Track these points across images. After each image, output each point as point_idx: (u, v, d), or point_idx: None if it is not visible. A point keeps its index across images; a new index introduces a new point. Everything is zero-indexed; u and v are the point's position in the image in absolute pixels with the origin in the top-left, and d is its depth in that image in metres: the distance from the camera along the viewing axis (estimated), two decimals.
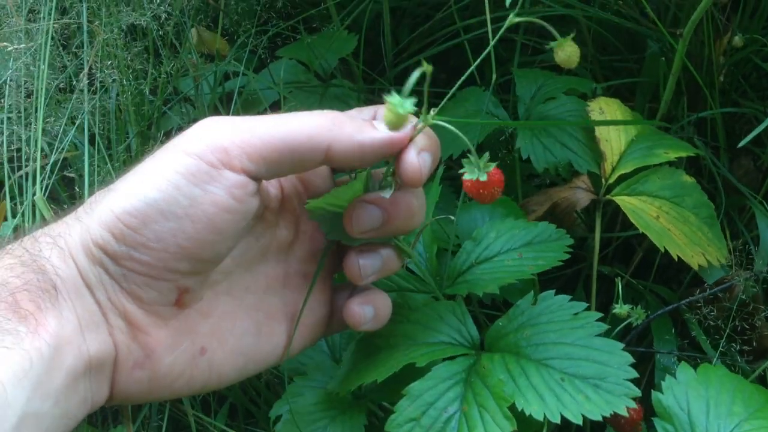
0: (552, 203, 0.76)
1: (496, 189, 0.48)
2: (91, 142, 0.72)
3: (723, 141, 0.90)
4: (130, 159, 0.75)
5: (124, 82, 0.73)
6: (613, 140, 0.75)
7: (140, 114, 0.76)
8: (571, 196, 0.76)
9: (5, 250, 0.45)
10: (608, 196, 0.73)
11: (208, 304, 0.50)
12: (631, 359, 0.50)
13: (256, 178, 0.46)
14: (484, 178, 0.47)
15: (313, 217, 0.52)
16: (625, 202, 0.72)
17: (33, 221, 0.66)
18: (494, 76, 0.58)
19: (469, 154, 0.48)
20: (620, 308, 0.64)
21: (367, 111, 0.53)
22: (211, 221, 0.45)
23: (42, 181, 0.67)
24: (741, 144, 0.58)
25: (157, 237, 0.44)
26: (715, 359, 0.65)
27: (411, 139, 0.48)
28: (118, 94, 0.74)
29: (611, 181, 0.74)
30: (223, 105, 0.85)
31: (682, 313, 0.72)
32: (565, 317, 0.53)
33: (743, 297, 0.69)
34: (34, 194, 0.65)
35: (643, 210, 0.72)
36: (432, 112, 0.47)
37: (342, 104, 0.89)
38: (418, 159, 0.48)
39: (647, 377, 0.73)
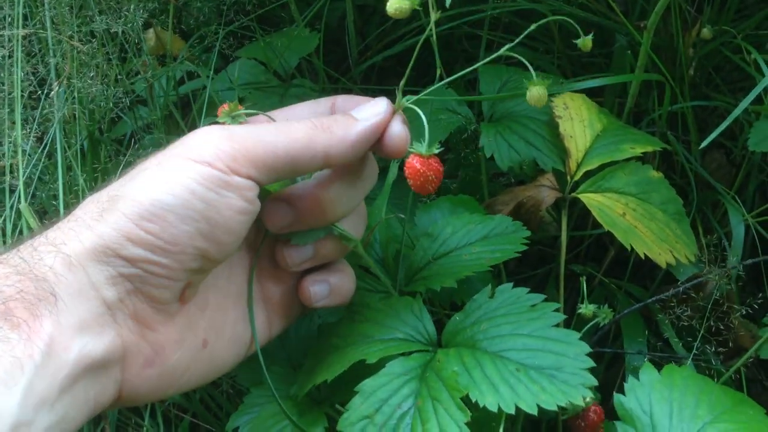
0: (517, 202, 0.74)
1: (432, 175, 0.50)
2: (42, 151, 0.70)
3: (695, 135, 0.88)
4: (84, 165, 0.72)
5: (91, 91, 0.70)
6: (578, 136, 0.73)
7: (91, 119, 0.73)
8: (536, 195, 0.74)
9: None
10: (573, 194, 0.71)
11: (203, 298, 0.52)
12: (588, 349, 0.49)
13: (261, 183, 0.49)
14: (423, 150, 0.50)
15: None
16: (590, 199, 0.70)
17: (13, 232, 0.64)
18: (439, 71, 0.58)
19: (421, 139, 0.51)
20: (585, 308, 0.62)
21: (324, 102, 0.56)
22: (227, 223, 0.47)
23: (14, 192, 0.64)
24: (705, 142, 0.56)
25: (174, 240, 0.46)
26: (688, 361, 0.63)
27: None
28: (74, 102, 0.71)
29: (576, 178, 0.72)
30: (178, 108, 0.82)
31: (654, 314, 0.70)
32: (522, 309, 0.52)
33: (716, 295, 0.67)
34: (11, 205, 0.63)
35: (608, 207, 0.70)
36: (405, 101, 0.53)
37: None
38: (402, 129, 0.51)
39: (619, 379, 0.71)
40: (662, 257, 0.69)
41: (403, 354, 0.52)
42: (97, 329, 0.45)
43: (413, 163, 0.51)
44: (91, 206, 0.47)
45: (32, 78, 0.63)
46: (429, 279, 0.60)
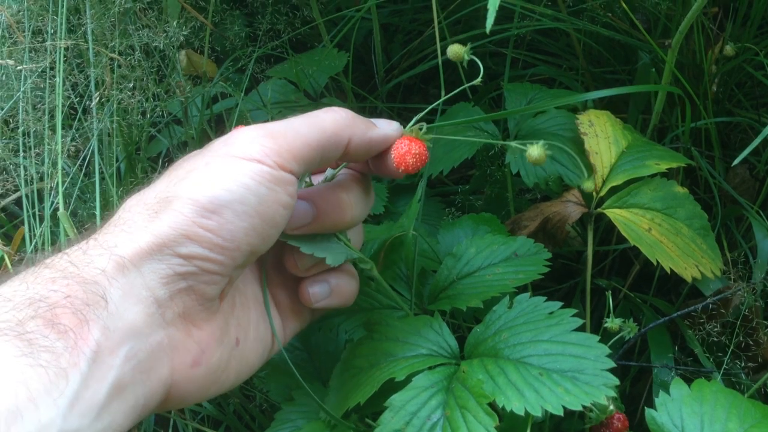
0: (544, 218, 0.75)
1: (419, 151, 0.53)
2: (80, 167, 0.72)
3: (718, 151, 0.89)
4: (120, 182, 0.75)
5: (131, 102, 0.72)
6: (603, 153, 0.74)
7: (129, 136, 0.76)
8: (562, 210, 0.75)
9: (44, 263, 0.45)
10: (599, 210, 0.73)
11: (231, 298, 0.52)
12: (607, 350, 0.50)
13: (298, 176, 0.50)
14: (408, 133, 0.54)
15: None
16: (616, 214, 0.71)
17: (50, 240, 0.66)
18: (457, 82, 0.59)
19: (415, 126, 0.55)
20: (611, 322, 0.63)
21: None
22: (274, 217, 0.48)
23: (52, 204, 0.66)
24: (737, 160, 0.57)
25: (232, 237, 0.46)
26: (719, 376, 0.63)
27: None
28: (112, 115, 0.73)
29: (602, 194, 0.73)
30: (212, 127, 0.84)
31: (681, 328, 0.70)
32: (541, 317, 0.53)
33: (743, 309, 0.68)
34: (53, 210, 0.65)
35: (634, 222, 0.71)
36: (423, 129, 0.55)
37: None
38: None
39: (646, 394, 0.72)
40: (688, 272, 0.69)
41: (428, 368, 0.54)
42: (146, 330, 0.44)
43: (399, 143, 0.53)
44: (138, 208, 0.47)
45: (70, 91, 0.65)
46: (454, 298, 0.62)
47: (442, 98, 0.59)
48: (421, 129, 0.55)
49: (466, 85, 0.58)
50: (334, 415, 0.56)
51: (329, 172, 0.58)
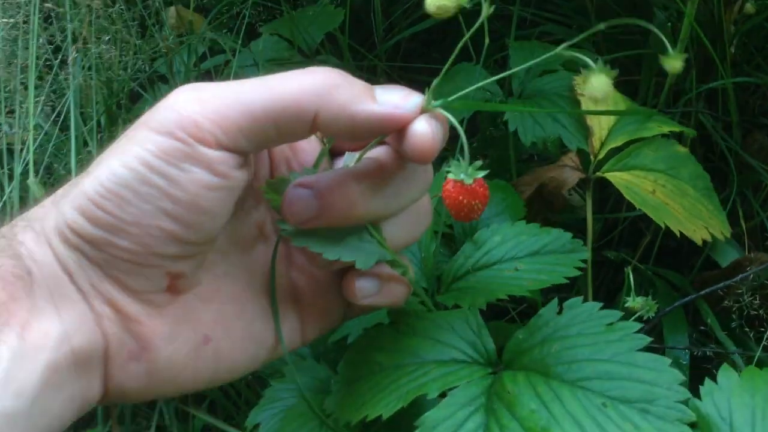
0: (540, 183, 0.71)
1: (477, 203, 0.42)
2: (55, 122, 0.68)
3: (735, 115, 0.84)
4: (100, 140, 0.70)
5: (110, 56, 0.67)
6: (602, 117, 0.70)
7: (109, 91, 0.71)
8: (559, 176, 0.70)
9: None
10: (598, 173, 0.68)
11: (209, 289, 0.46)
12: (681, 377, 0.42)
13: (239, 152, 0.42)
14: (469, 181, 0.41)
15: (271, 202, 0.46)
16: (617, 178, 0.66)
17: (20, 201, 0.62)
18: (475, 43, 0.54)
19: (460, 155, 0.42)
20: (633, 301, 0.57)
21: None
22: (195, 201, 0.41)
23: (24, 161, 0.62)
24: None
25: (135, 220, 0.41)
26: (757, 354, 0.58)
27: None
28: (90, 69, 0.68)
29: (600, 156, 0.69)
30: None
31: (699, 306, 0.66)
32: (598, 329, 0.46)
33: (761, 281, 0.63)
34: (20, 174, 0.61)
35: (637, 185, 0.67)
36: (427, 93, 0.42)
37: None
38: (430, 126, 0.42)
39: None
40: (697, 234, 0.65)
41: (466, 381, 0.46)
42: (76, 318, 0.41)
43: (452, 190, 0.42)
44: (72, 181, 0.43)
45: (48, 46, 0.61)
46: (461, 292, 0.55)
47: (450, 60, 0.44)
48: (443, 106, 0.42)
49: (466, 38, 0.49)
50: (345, 418, 0.48)
51: (348, 156, 0.48)
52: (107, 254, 0.41)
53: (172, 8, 0.93)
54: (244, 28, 0.73)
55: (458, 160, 0.42)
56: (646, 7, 0.86)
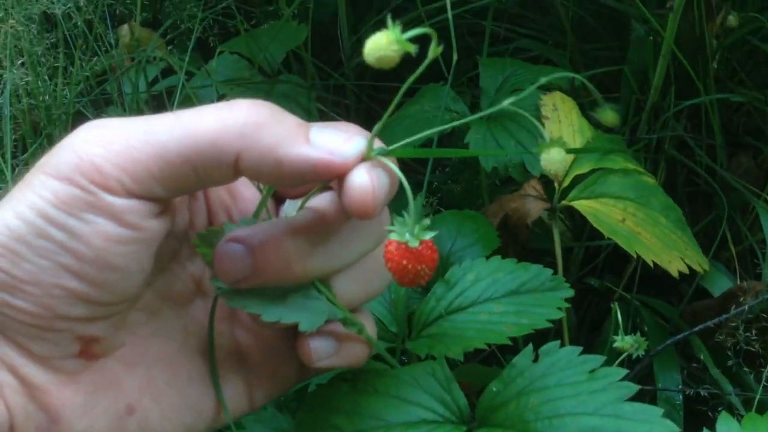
0: (504, 214, 0.66)
1: (424, 268, 0.36)
2: None
3: (719, 136, 0.80)
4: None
5: (39, 82, 0.62)
6: (567, 139, 0.66)
7: (51, 117, 0.65)
8: (521, 207, 0.66)
9: None
10: (564, 202, 0.64)
11: (134, 351, 0.40)
12: (676, 428, 0.38)
13: (152, 199, 0.36)
14: (414, 244, 0.36)
15: (204, 257, 0.41)
16: (584, 206, 0.63)
17: None
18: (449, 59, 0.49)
19: (404, 212, 0.36)
20: (622, 341, 0.52)
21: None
22: (101, 257, 0.35)
23: None
24: None
25: (32, 278, 0.35)
26: (757, 395, 0.53)
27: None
28: (23, 95, 0.63)
29: (565, 183, 0.65)
30: (151, 108, 0.74)
31: (692, 341, 0.61)
32: (580, 377, 0.41)
33: (756, 312, 0.59)
34: None
35: (605, 214, 0.63)
36: (369, 138, 0.36)
37: (291, 102, 0.78)
38: (370, 177, 0.36)
39: None
40: (673, 265, 0.61)
41: None
42: None
43: (395, 253, 0.36)
44: None
45: None
46: (434, 340, 0.50)
47: (401, 92, 0.37)
48: (385, 154, 0.37)
49: (427, 62, 0.43)
50: None
51: (288, 204, 0.43)
52: (4, 316, 0.35)
53: (125, 26, 0.88)
54: (192, 45, 0.68)
55: (404, 216, 0.36)
56: (624, 21, 0.83)
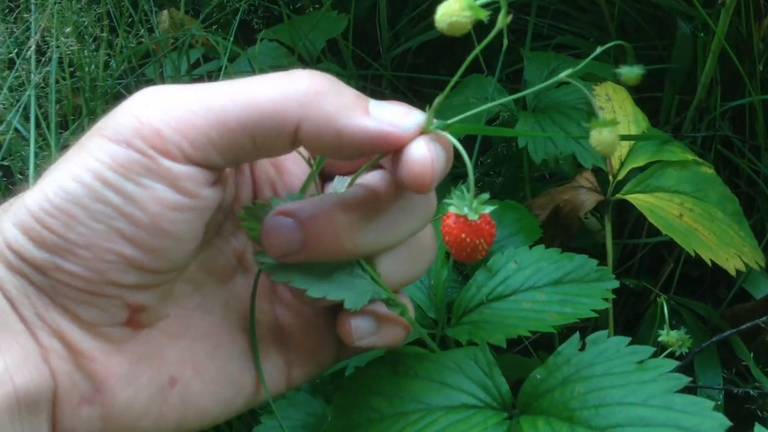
0: (554, 206, 0.65)
1: (482, 242, 0.36)
2: (37, 124, 0.62)
3: (763, 139, 0.78)
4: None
5: (84, 53, 0.62)
6: (622, 129, 0.64)
7: (94, 94, 0.65)
8: (574, 198, 0.65)
9: None
10: (618, 195, 0.62)
11: (177, 323, 0.40)
12: (726, 422, 0.37)
13: (209, 167, 0.36)
14: (473, 217, 0.36)
15: (249, 232, 0.41)
16: (639, 200, 0.61)
17: None
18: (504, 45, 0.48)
19: (463, 186, 0.36)
20: (667, 335, 0.51)
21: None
22: (156, 223, 0.35)
23: None
24: None
25: (86, 242, 0.35)
26: None
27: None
28: (68, 67, 0.63)
29: (620, 177, 0.63)
30: None
31: (733, 342, 0.60)
32: (628, 367, 0.40)
33: None
34: None
35: (662, 209, 0.61)
36: (428, 112, 0.36)
37: None
38: (429, 150, 0.36)
39: None
40: (730, 263, 0.59)
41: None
42: (19, 352, 0.35)
43: (453, 226, 0.36)
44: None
45: (9, 41, 0.55)
46: (475, 327, 0.49)
47: (460, 71, 0.37)
48: (444, 128, 0.37)
49: (479, 49, 0.42)
50: None
51: (338, 180, 0.43)
52: (55, 280, 0.35)
53: (165, 12, 0.88)
54: (236, 26, 0.67)
55: (462, 191, 0.36)
56: (669, 20, 0.81)
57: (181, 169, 0.35)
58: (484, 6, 0.34)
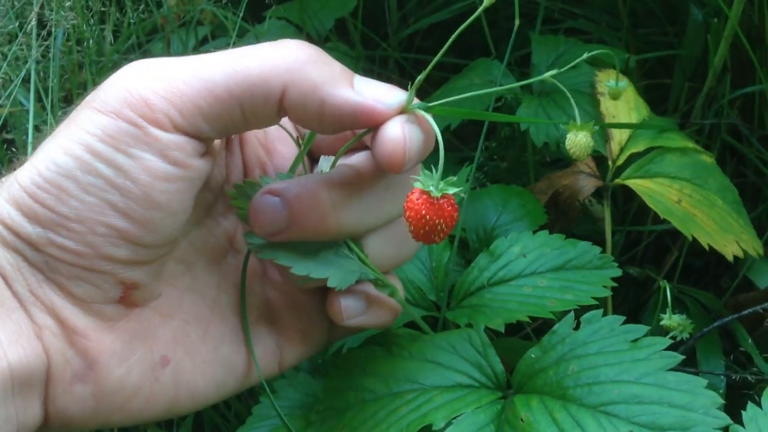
0: (554, 191, 0.65)
1: (441, 223, 0.35)
2: (39, 99, 0.62)
3: None
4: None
5: (85, 27, 0.61)
6: (622, 117, 0.64)
7: (99, 68, 0.65)
8: (573, 183, 0.64)
9: None
10: (618, 181, 0.62)
11: (169, 303, 0.40)
12: (719, 400, 0.37)
13: (198, 137, 0.36)
14: (436, 194, 0.36)
15: (238, 211, 0.41)
16: (638, 185, 0.61)
17: None
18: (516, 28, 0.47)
19: (433, 166, 0.36)
20: (669, 319, 0.51)
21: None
22: (147, 193, 0.36)
23: None
24: None
25: (78, 215, 0.35)
26: None
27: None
28: (71, 41, 0.63)
29: (619, 162, 0.63)
30: None
31: (735, 328, 0.60)
32: (622, 346, 0.41)
33: None
34: None
35: (661, 194, 0.61)
36: (410, 90, 0.37)
37: None
38: (403, 130, 0.37)
39: None
40: (728, 248, 0.59)
41: (473, 408, 0.41)
42: (12, 328, 0.35)
43: (416, 202, 0.36)
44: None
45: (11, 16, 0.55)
46: (475, 310, 0.49)
47: (443, 50, 0.38)
48: (426, 109, 0.37)
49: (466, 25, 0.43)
50: None
51: (323, 159, 0.43)
52: (48, 256, 0.36)
53: None
54: (246, 1, 0.67)
55: (430, 170, 0.36)
56: (681, 5, 0.80)
57: (171, 138, 0.35)
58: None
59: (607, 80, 0.68)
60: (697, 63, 0.79)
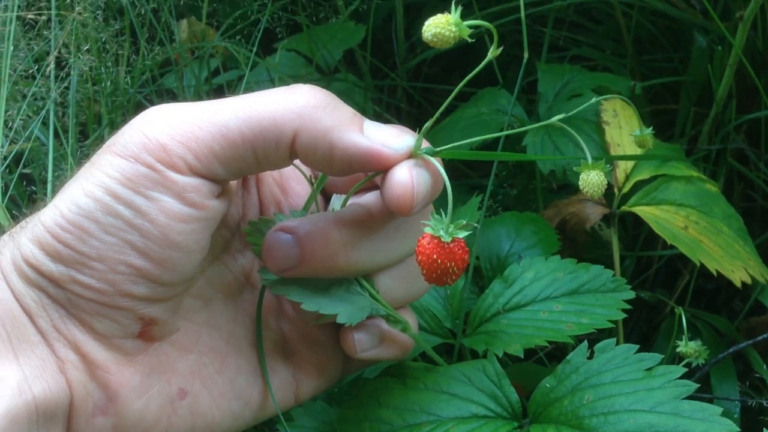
0: (561, 219, 0.65)
1: (453, 266, 0.36)
2: (56, 135, 0.63)
3: None
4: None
5: (102, 68, 0.63)
6: (627, 146, 0.65)
7: (114, 104, 0.66)
8: (580, 211, 0.65)
9: None
10: (624, 208, 0.63)
11: (187, 337, 0.41)
12: (735, 428, 0.38)
13: (213, 179, 0.38)
14: (446, 239, 0.36)
15: (253, 247, 0.42)
16: (645, 212, 0.62)
17: None
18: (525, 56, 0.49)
19: (442, 210, 0.37)
20: (685, 345, 0.51)
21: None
22: (165, 234, 0.37)
23: None
24: None
25: (99, 254, 0.36)
26: None
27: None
28: (87, 81, 0.64)
29: (625, 190, 0.64)
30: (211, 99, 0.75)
31: (748, 354, 0.60)
32: (636, 374, 0.41)
33: None
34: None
35: (667, 221, 0.62)
36: (418, 136, 0.38)
37: (347, 100, 0.79)
38: (410, 175, 0.38)
39: None
40: (736, 274, 0.60)
41: None
42: (36, 363, 0.36)
43: (427, 247, 0.36)
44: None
45: (29, 57, 0.56)
46: (492, 337, 0.49)
47: (458, 88, 0.39)
48: (434, 154, 0.39)
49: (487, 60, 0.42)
50: None
51: (335, 198, 0.44)
52: (70, 293, 0.37)
53: (184, 21, 0.89)
54: (259, 37, 0.68)
55: (440, 214, 0.37)
56: (685, 32, 0.82)
57: (187, 181, 0.37)
58: (493, 20, 0.35)
59: (612, 108, 0.69)
60: (703, 88, 0.80)
